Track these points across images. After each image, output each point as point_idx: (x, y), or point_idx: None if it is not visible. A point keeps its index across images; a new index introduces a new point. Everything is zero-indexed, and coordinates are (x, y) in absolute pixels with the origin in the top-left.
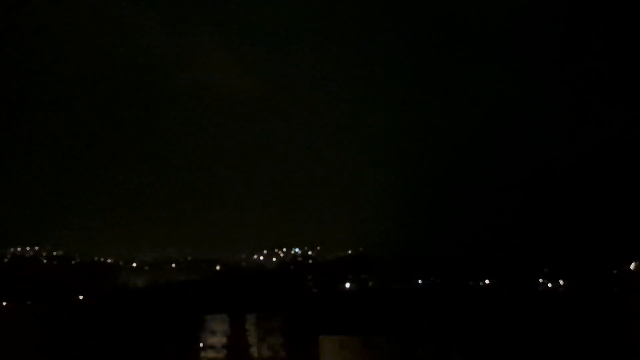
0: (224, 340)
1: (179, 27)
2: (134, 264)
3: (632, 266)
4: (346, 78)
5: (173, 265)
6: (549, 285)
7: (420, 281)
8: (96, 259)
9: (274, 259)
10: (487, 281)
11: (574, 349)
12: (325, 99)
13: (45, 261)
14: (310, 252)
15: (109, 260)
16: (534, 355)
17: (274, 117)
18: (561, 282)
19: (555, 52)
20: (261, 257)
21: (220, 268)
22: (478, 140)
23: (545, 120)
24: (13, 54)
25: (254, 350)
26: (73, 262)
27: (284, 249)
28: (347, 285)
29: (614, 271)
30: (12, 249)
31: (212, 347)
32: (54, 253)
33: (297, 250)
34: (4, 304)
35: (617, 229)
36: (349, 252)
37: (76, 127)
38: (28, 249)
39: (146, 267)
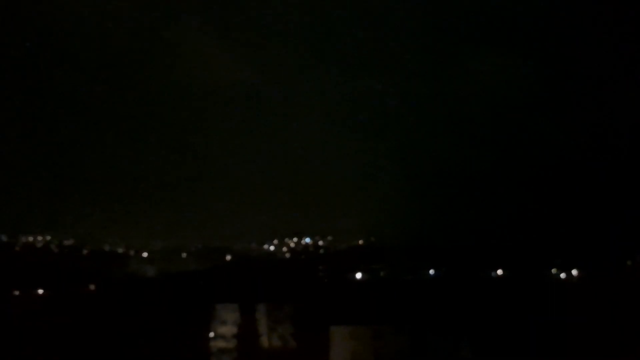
0: (234, 329)
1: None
2: (145, 253)
3: None
4: (346, 66)
5: (183, 254)
6: (562, 276)
7: (432, 271)
8: (107, 248)
9: (285, 249)
10: (499, 272)
11: (588, 339)
12: (331, 88)
13: (56, 250)
14: (321, 242)
15: (119, 250)
16: (546, 346)
17: (280, 106)
18: (574, 272)
19: (560, 38)
20: (272, 247)
21: (231, 257)
22: (487, 129)
23: (556, 107)
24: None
25: (264, 340)
26: (84, 251)
27: (295, 239)
28: (358, 275)
29: (628, 262)
30: (22, 238)
31: (222, 336)
32: (65, 242)
33: (307, 239)
34: (16, 292)
35: (631, 219)
36: (360, 242)
37: (85, 117)
38: (39, 238)
39: (157, 257)
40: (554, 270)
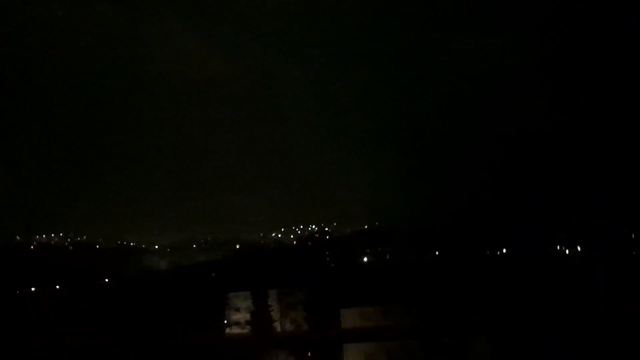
0: (247, 316)
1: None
2: (157, 247)
3: None
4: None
5: (194, 246)
6: (566, 251)
7: (436, 252)
8: (119, 242)
9: (292, 236)
10: (503, 250)
11: (592, 313)
12: (327, 78)
13: (70, 247)
14: (327, 228)
15: (132, 244)
16: (553, 321)
17: (282, 98)
18: (578, 248)
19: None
20: (279, 235)
21: (240, 247)
22: (489, 109)
23: (552, 87)
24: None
25: (277, 325)
26: (97, 247)
27: (301, 226)
28: (365, 258)
29: (632, 236)
30: (38, 237)
31: (236, 323)
32: (79, 239)
33: (314, 226)
34: (33, 289)
35: (634, 194)
36: (365, 226)
37: (94, 117)
38: (53, 235)
39: (168, 249)
40: (558, 247)
